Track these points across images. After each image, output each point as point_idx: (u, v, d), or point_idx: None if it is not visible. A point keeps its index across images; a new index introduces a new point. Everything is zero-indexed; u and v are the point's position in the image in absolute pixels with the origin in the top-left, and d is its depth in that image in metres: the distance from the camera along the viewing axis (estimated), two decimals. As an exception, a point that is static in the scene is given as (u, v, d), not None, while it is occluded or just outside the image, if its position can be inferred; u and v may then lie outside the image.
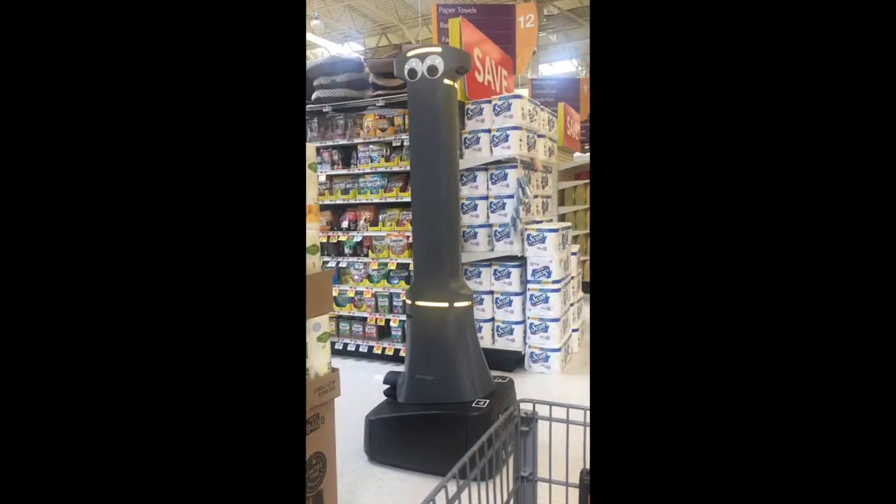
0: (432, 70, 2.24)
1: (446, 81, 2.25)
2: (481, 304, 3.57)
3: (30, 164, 0.56)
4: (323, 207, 3.97)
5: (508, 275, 3.52)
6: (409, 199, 3.65)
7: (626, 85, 0.54)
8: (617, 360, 0.55)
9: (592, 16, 0.56)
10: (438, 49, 2.25)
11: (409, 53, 2.30)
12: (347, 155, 3.95)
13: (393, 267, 3.73)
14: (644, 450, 0.54)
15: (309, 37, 11.13)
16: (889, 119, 0.47)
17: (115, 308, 0.59)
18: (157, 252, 0.60)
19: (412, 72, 2.28)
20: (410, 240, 3.65)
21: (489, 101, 3.57)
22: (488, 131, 3.54)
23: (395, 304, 3.76)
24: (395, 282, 3.74)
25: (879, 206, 0.49)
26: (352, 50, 13.36)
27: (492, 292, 3.57)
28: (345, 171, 3.87)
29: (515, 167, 3.47)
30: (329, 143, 3.90)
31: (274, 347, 0.62)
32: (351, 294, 3.89)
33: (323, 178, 3.95)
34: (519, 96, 3.54)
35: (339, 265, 3.93)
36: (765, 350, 0.51)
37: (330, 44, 12.30)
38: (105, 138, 0.58)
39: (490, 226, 3.59)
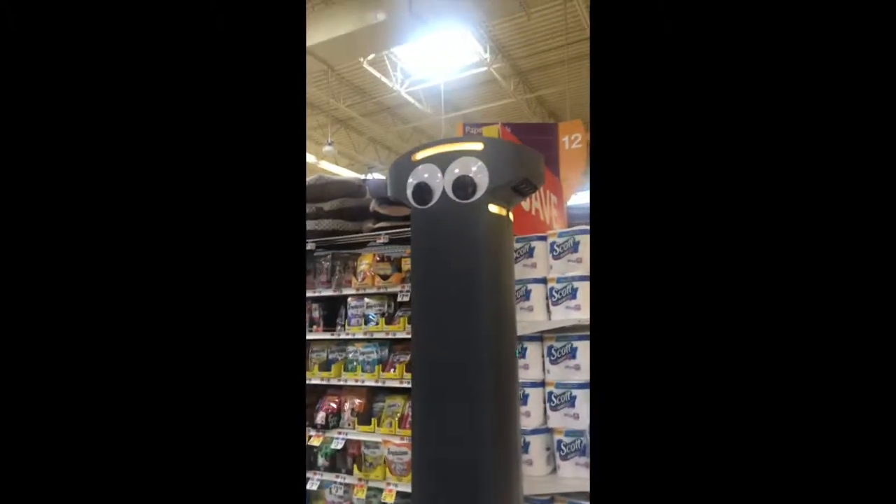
0: (464, 185, 1.07)
1: (492, 209, 1.07)
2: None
3: (35, 160, 0.58)
4: (292, 388, 2.67)
5: (586, 524, 2.04)
6: (419, 385, 2.34)
7: (625, 94, 0.61)
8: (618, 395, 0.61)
9: (592, 21, 0.60)
10: (477, 146, 1.10)
11: (418, 156, 1.16)
12: (333, 311, 2.74)
13: (390, 499, 2.28)
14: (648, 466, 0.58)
15: (331, 167, 10.92)
16: (882, 121, 0.52)
17: (115, 312, 0.62)
18: (164, 263, 0.64)
19: (421, 190, 1.12)
20: (420, 453, 2.26)
21: (543, 238, 2.42)
22: (543, 281, 2.34)
23: (391, 563, 2.25)
24: (394, 524, 2.27)
25: (877, 205, 0.52)
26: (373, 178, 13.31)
27: (557, 552, 2.06)
28: (327, 335, 2.64)
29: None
30: (309, 293, 2.73)
31: (272, 349, 0.66)
32: (321, 538, 2.40)
33: (296, 344, 2.71)
34: (586, 230, 2.40)
35: (308, 486, 2.50)
36: (763, 348, 0.56)
37: (353, 174, 12.24)
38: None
39: (550, 431, 2.20)
